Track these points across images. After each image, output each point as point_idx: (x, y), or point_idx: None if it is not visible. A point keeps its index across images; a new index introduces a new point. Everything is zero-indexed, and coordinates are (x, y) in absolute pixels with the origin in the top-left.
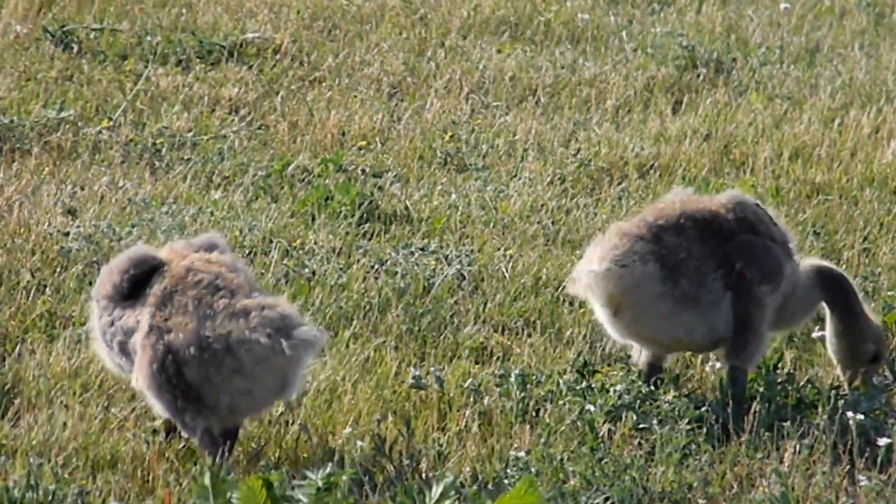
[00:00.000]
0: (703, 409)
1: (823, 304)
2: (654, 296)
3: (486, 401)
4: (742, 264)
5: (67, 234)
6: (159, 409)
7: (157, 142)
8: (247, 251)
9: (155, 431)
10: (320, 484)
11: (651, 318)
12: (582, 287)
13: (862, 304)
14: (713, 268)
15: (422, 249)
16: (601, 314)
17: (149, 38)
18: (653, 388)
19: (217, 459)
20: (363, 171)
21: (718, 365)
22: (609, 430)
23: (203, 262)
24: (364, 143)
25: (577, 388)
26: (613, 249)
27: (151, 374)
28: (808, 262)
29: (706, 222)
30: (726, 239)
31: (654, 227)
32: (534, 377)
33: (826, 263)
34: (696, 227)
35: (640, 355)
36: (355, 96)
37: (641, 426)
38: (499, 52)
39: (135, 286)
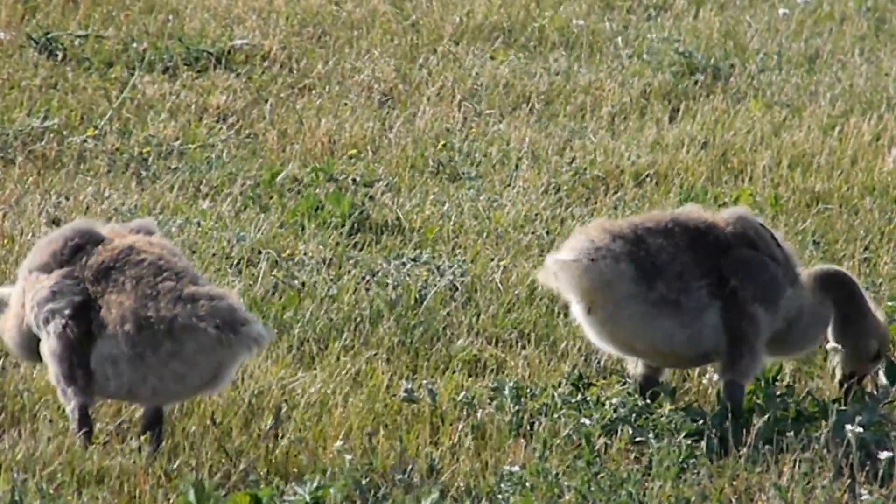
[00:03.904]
0: (701, 422)
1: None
2: (626, 296)
3: (479, 414)
4: (736, 279)
5: None
6: (50, 375)
7: (144, 151)
8: (235, 262)
9: (140, 448)
10: (308, 498)
11: (624, 319)
12: (548, 275)
13: (868, 302)
14: (698, 276)
15: (414, 260)
16: (576, 311)
17: (135, 44)
18: (649, 401)
19: (79, 437)
20: (354, 180)
21: (716, 377)
22: (605, 443)
23: (145, 243)
24: (355, 151)
25: (573, 401)
26: (587, 242)
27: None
28: (807, 272)
29: (699, 231)
30: (721, 251)
31: (639, 229)
32: (528, 390)
33: (826, 266)
34: (686, 234)
35: (635, 367)
36: (346, 104)
37: (638, 440)
38: (492, 58)
39: (72, 257)
